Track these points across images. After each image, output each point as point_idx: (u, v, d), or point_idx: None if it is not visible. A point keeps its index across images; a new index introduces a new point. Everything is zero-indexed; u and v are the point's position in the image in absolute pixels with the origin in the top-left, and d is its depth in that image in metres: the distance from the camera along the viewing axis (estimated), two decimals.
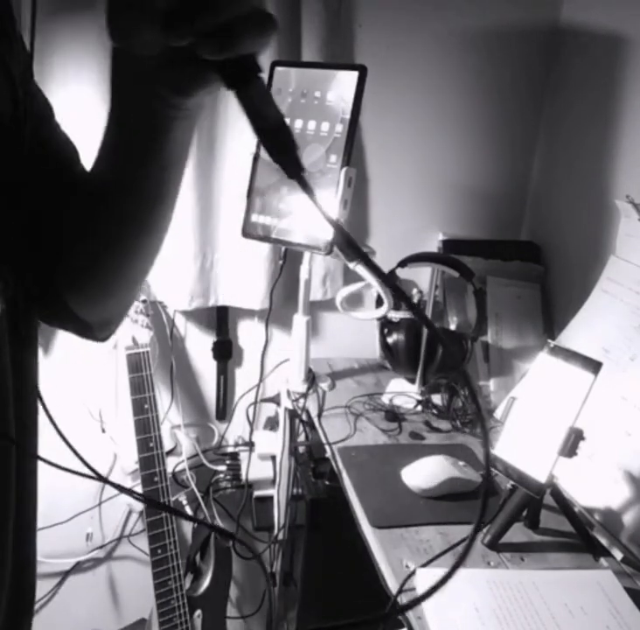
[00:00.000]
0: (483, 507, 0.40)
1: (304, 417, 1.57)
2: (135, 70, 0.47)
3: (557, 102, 1.70)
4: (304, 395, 1.56)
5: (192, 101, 0.49)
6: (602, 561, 1.10)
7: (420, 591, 1.00)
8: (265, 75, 0.41)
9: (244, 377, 1.80)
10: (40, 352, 0.63)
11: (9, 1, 0.59)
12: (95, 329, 0.69)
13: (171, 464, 1.71)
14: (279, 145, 0.40)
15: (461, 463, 1.26)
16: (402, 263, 1.49)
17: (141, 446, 1.55)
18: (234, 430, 1.83)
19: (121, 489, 0.54)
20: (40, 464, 0.60)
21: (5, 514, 0.59)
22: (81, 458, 0.52)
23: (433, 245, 1.75)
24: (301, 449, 1.59)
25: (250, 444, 1.75)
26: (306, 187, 0.40)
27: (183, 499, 1.77)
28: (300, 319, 1.56)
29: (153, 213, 0.60)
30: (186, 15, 0.37)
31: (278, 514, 1.70)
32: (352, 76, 1.23)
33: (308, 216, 1.35)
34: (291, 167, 0.40)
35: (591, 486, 1.19)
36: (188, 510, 1.79)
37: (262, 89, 0.40)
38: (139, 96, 0.49)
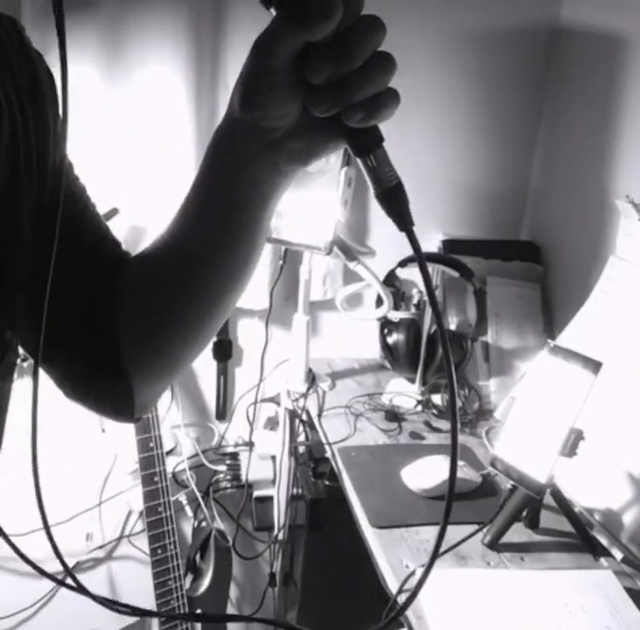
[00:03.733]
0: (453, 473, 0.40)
1: (304, 417, 1.57)
2: (261, 141, 0.48)
3: (557, 102, 1.70)
4: (304, 395, 1.56)
5: (303, 169, 0.50)
6: (602, 561, 1.10)
7: (421, 590, 1.00)
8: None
9: (244, 377, 1.80)
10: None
11: (51, 83, 0.57)
12: (139, 410, 0.65)
13: (171, 464, 1.70)
14: (394, 203, 0.45)
15: (461, 463, 1.26)
16: (402, 263, 1.49)
17: (141, 446, 1.55)
18: (234, 430, 1.82)
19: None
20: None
21: None
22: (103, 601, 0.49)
23: (433, 245, 1.75)
24: (301, 449, 1.59)
25: (250, 444, 1.75)
26: (414, 241, 0.44)
27: (183, 499, 1.77)
28: (300, 319, 1.56)
29: (233, 285, 0.58)
30: (344, 87, 0.41)
31: (278, 514, 1.70)
32: None
33: (308, 216, 1.35)
34: (403, 222, 0.45)
35: (591, 486, 1.19)
36: (188, 510, 1.79)
37: (384, 154, 0.45)
38: (257, 167, 0.49)
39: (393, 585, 1.02)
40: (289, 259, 1.55)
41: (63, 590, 1.81)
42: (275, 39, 0.41)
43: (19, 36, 0.56)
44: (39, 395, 0.59)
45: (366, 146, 0.45)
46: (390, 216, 0.45)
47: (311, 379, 1.61)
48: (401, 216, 0.45)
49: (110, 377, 0.62)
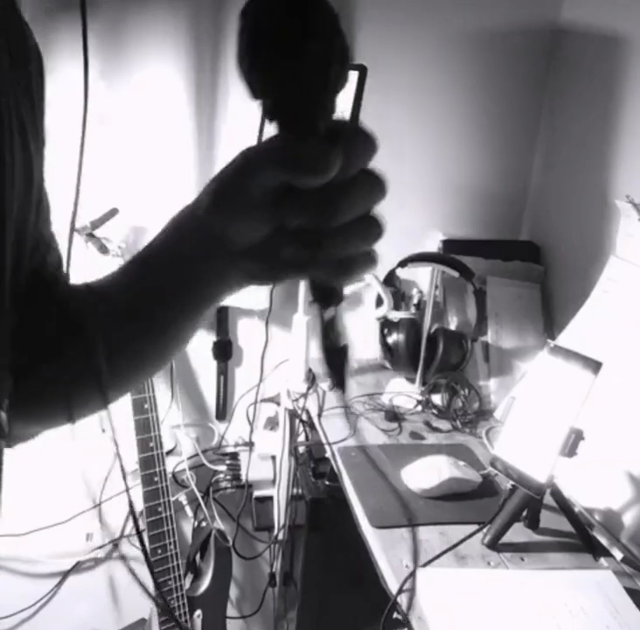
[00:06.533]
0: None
1: (304, 417, 1.57)
2: (216, 248, 0.44)
3: (557, 102, 1.70)
4: (304, 395, 1.56)
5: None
6: (602, 561, 1.10)
7: (421, 590, 1.00)
8: None
9: (244, 377, 1.80)
10: None
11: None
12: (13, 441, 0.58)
13: (171, 464, 1.70)
14: (336, 362, 0.46)
15: (461, 463, 1.26)
16: (402, 263, 1.49)
17: (141, 446, 1.55)
18: (234, 430, 1.82)
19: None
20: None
21: None
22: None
23: (433, 245, 1.75)
24: (301, 449, 1.59)
25: (250, 444, 1.75)
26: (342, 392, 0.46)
27: (183, 499, 1.77)
28: (300, 319, 1.56)
29: (168, 350, 0.55)
30: (315, 241, 0.38)
31: (278, 514, 1.70)
32: (352, 76, 1.23)
33: None
34: (337, 380, 0.46)
35: (591, 486, 1.19)
36: (188, 510, 1.79)
37: (338, 312, 0.44)
38: (204, 271, 0.46)
39: (392, 585, 1.02)
40: None
41: (62, 590, 1.81)
42: (261, 167, 0.38)
43: (12, 5, 0.48)
44: None
45: (325, 301, 0.43)
46: (327, 369, 0.46)
47: (311, 379, 1.61)
48: (337, 375, 0.46)
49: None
